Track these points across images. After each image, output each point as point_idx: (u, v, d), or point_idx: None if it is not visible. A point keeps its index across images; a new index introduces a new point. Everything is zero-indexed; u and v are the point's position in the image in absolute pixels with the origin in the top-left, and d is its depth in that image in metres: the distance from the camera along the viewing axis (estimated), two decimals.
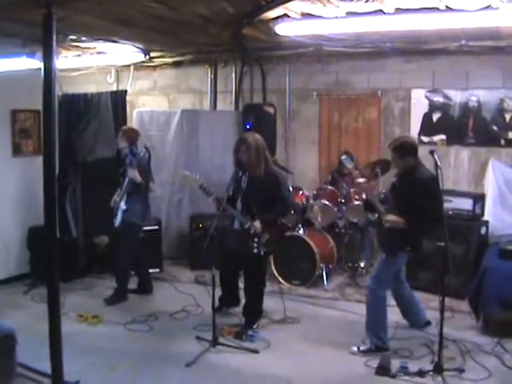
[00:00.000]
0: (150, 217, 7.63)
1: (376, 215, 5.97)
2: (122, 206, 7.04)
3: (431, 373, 5.08)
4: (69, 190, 8.40)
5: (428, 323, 6.19)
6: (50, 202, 4.62)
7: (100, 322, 6.56)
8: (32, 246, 8.08)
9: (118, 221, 7.10)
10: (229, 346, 5.84)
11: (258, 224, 6.04)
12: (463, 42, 7.66)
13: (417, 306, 6.23)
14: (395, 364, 5.31)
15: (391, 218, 5.56)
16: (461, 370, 5.20)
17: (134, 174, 6.93)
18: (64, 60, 8.94)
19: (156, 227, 8.44)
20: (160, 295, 7.59)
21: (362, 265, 8.13)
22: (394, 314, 6.12)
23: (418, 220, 5.40)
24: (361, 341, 5.81)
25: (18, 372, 5.04)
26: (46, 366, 4.71)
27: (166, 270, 8.56)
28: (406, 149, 5.63)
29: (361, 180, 6.37)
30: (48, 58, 4.42)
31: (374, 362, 5.37)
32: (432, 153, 5.26)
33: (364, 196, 6.85)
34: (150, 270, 8.12)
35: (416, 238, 5.61)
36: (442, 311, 5.13)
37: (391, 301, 6.17)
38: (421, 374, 5.11)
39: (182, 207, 9.03)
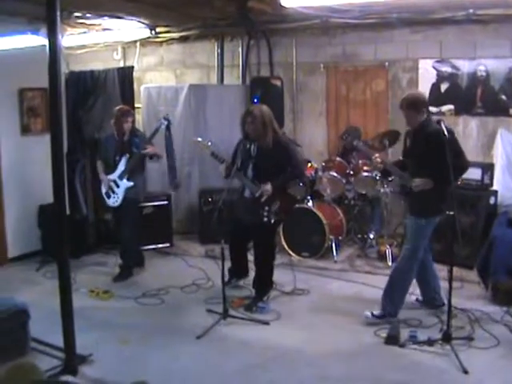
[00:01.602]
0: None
1: (395, 182, 5.90)
2: (127, 183, 7.04)
3: (440, 341, 5.11)
4: (78, 168, 8.44)
5: (443, 305, 5.90)
6: (59, 180, 4.66)
7: (111, 296, 6.63)
8: (43, 224, 8.15)
9: (119, 200, 7.10)
10: (239, 318, 5.89)
11: (268, 186, 6.04)
12: (470, 10, 7.60)
13: (437, 283, 6.04)
14: (404, 333, 5.36)
15: (418, 181, 5.50)
16: (470, 339, 5.24)
17: (150, 149, 6.98)
18: (70, 37, 8.95)
19: (166, 202, 8.50)
20: (170, 269, 7.66)
21: (372, 236, 8.13)
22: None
23: (446, 172, 5.14)
24: (368, 310, 5.82)
25: (31, 346, 5.12)
26: (59, 340, 4.78)
27: (176, 245, 8.61)
28: (419, 103, 5.55)
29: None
30: (53, 36, 4.43)
31: (383, 332, 5.42)
32: (439, 122, 5.24)
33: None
34: (160, 245, 8.22)
35: (447, 194, 5.39)
36: (450, 280, 5.15)
37: None
38: (430, 342, 5.14)
39: (191, 182, 9.05)
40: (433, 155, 5.37)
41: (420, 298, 6.15)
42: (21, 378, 2.17)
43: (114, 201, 7.11)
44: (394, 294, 5.73)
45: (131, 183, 7.04)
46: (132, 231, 7.16)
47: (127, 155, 7.02)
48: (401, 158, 6.00)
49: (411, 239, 5.68)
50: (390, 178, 6.28)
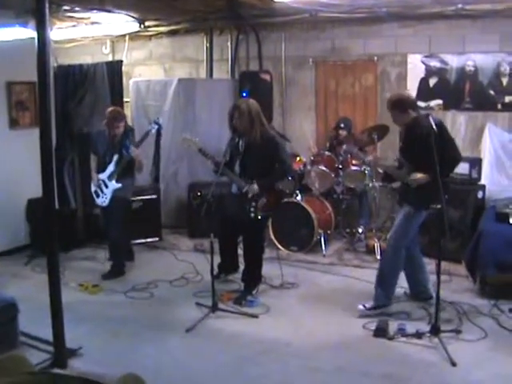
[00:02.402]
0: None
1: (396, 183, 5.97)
2: (115, 184, 7.01)
3: (428, 334, 5.15)
4: (66, 161, 8.42)
5: (431, 297, 5.93)
6: (48, 174, 4.64)
7: (100, 290, 6.62)
8: (31, 218, 8.12)
9: (107, 200, 7.06)
10: (228, 311, 5.90)
11: (255, 186, 6.08)
12: (460, 5, 7.66)
13: (425, 276, 6.07)
14: (393, 326, 5.39)
15: (414, 177, 5.55)
16: (458, 331, 5.28)
17: (137, 153, 6.95)
18: (58, 31, 8.92)
19: (154, 196, 8.49)
20: (159, 264, 7.65)
21: (360, 230, 8.17)
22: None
23: (446, 165, 5.36)
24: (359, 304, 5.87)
25: (20, 340, 5.11)
26: (48, 334, 4.78)
27: (165, 239, 8.61)
28: (404, 102, 5.62)
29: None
30: (41, 29, 4.41)
31: (372, 325, 5.45)
32: (427, 116, 5.27)
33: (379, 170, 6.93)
34: (149, 239, 8.23)
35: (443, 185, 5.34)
36: (438, 273, 5.17)
37: None
38: (418, 335, 5.18)
39: (180, 176, 9.05)
40: (425, 151, 5.35)
41: (408, 291, 6.18)
42: (11, 370, 2.17)
43: (102, 201, 7.08)
44: (385, 284, 5.78)
45: (119, 185, 7.01)
46: (120, 231, 7.11)
47: (117, 156, 6.99)
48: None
49: (399, 227, 5.73)
50: (394, 185, 6.35)
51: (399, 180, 5.94)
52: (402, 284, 6.13)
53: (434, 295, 5.38)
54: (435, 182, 5.28)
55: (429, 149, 5.21)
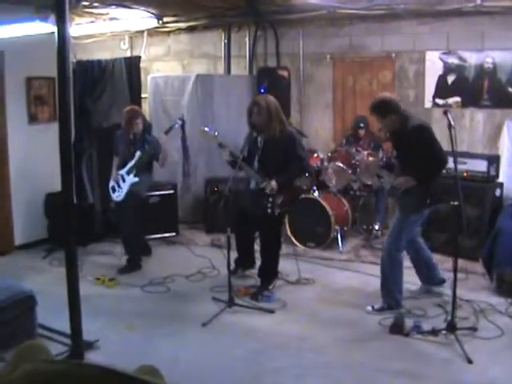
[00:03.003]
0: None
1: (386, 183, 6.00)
2: (133, 178, 7.08)
3: (444, 331, 5.13)
4: (85, 156, 8.48)
5: (443, 281, 6.10)
6: (67, 169, 4.68)
7: (117, 284, 6.67)
8: (49, 212, 8.19)
9: (122, 194, 7.14)
10: (244, 306, 5.92)
11: (273, 183, 6.08)
12: (478, 2, 7.58)
13: (432, 266, 6.13)
14: (409, 323, 5.38)
15: (399, 180, 5.63)
16: (474, 329, 5.26)
17: (164, 140, 7.04)
18: (77, 27, 8.95)
19: (172, 191, 8.53)
20: (176, 258, 7.69)
21: (377, 227, 8.15)
22: (408, 276, 6.13)
23: (428, 170, 5.44)
24: (375, 301, 5.88)
25: (38, 332, 5.16)
26: (66, 327, 4.81)
27: (182, 234, 8.64)
28: (385, 107, 5.59)
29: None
30: (61, 24, 4.44)
31: (388, 321, 5.44)
32: (446, 113, 5.23)
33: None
34: (166, 235, 8.27)
35: (431, 188, 5.51)
36: (455, 271, 5.16)
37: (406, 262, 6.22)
38: (434, 332, 5.16)
39: (197, 172, 9.06)
40: (415, 151, 5.47)
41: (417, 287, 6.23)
42: (30, 358, 2.20)
43: (118, 195, 7.15)
44: (388, 286, 5.80)
45: (136, 179, 7.09)
46: (133, 226, 7.14)
47: (139, 152, 7.07)
48: None
49: (393, 233, 5.76)
50: (382, 180, 6.43)
51: (390, 184, 5.92)
52: (418, 282, 6.13)
53: (449, 288, 5.40)
54: (422, 186, 5.39)
55: (415, 150, 5.38)
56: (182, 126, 7.43)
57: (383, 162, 7.53)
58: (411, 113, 5.90)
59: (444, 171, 5.67)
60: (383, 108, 5.59)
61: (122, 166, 7.20)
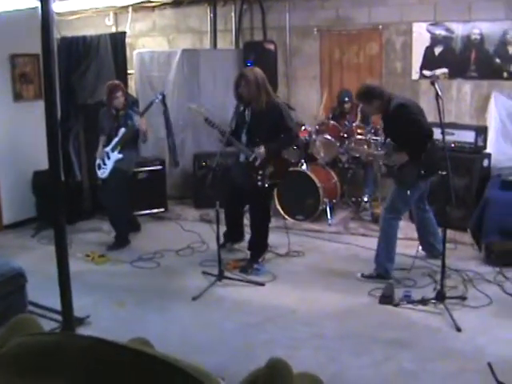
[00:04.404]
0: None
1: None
2: (117, 155, 7.04)
3: (434, 301, 5.18)
4: (71, 133, 8.43)
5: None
6: (54, 146, 4.63)
7: (107, 260, 6.67)
8: (37, 190, 8.14)
9: (107, 171, 7.09)
10: (235, 279, 5.95)
11: (262, 150, 6.08)
12: None
13: (436, 237, 6.20)
14: (398, 293, 5.43)
15: (393, 158, 5.76)
16: (463, 298, 5.31)
17: (140, 122, 6.95)
18: (61, 3, 8.85)
19: (160, 167, 8.51)
20: (165, 234, 7.69)
21: (366, 199, 8.17)
22: (403, 247, 6.28)
23: (415, 145, 5.55)
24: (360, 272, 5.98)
25: (29, 310, 5.15)
26: (56, 304, 4.80)
27: (171, 210, 8.64)
28: (369, 93, 5.76)
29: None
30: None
31: (378, 292, 5.48)
32: (433, 83, 5.25)
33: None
34: (155, 210, 8.27)
35: (423, 160, 5.56)
36: (444, 241, 5.23)
37: (403, 233, 6.37)
38: (423, 302, 5.22)
39: (185, 147, 9.03)
40: (398, 132, 5.67)
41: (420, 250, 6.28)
42: (22, 331, 2.20)
43: (103, 171, 7.11)
44: (380, 255, 5.88)
45: (121, 155, 7.03)
46: (119, 202, 7.12)
47: (123, 129, 7.01)
48: None
49: (391, 202, 5.88)
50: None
51: (385, 162, 6.13)
52: (410, 252, 6.17)
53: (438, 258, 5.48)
54: (414, 159, 5.51)
55: (402, 126, 5.55)
56: (163, 101, 7.35)
57: (371, 132, 7.60)
58: (396, 94, 6.01)
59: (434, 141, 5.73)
60: (367, 94, 5.78)
61: (108, 142, 7.15)
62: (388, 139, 5.98)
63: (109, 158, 7.06)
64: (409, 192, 5.73)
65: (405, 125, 5.53)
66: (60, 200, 4.74)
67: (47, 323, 4.86)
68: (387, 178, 7.02)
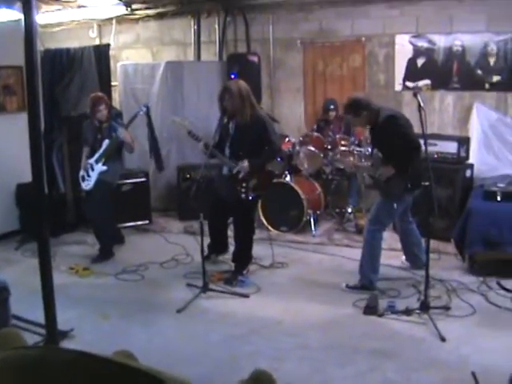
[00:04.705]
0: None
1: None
2: (101, 167, 7.00)
3: (418, 311, 5.21)
4: (55, 145, 8.40)
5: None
6: (37, 159, 4.62)
7: (91, 273, 6.64)
8: (21, 203, 8.10)
9: (91, 183, 7.06)
10: (219, 291, 5.94)
11: (245, 164, 6.10)
12: None
13: (420, 248, 6.23)
14: (383, 303, 5.44)
15: (380, 171, 5.77)
16: (447, 308, 5.34)
17: (125, 135, 6.94)
18: (45, 15, 8.85)
19: (144, 179, 8.48)
20: (150, 246, 7.67)
21: (350, 210, 8.20)
22: (387, 257, 6.32)
23: (402, 157, 5.56)
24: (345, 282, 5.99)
25: (12, 323, 5.11)
26: (40, 317, 4.78)
27: (155, 222, 8.63)
28: (356, 105, 5.77)
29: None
30: (28, 11, 4.37)
31: (362, 302, 5.49)
32: (415, 94, 5.30)
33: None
34: (139, 222, 8.25)
35: (410, 173, 5.60)
36: (427, 252, 5.25)
37: (386, 244, 6.40)
38: (408, 312, 5.24)
39: (169, 159, 9.02)
40: (386, 144, 5.69)
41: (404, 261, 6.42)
42: (5, 345, 2.19)
43: (87, 184, 7.08)
44: (365, 266, 5.90)
45: (105, 168, 7.00)
46: (103, 214, 7.09)
47: (107, 141, 7.00)
48: None
49: (376, 213, 5.92)
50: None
51: (371, 175, 6.15)
52: (394, 263, 6.20)
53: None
54: (400, 173, 5.57)
55: (390, 140, 5.57)
56: (147, 113, 7.35)
57: (355, 144, 7.64)
58: (383, 106, 6.02)
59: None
60: (355, 106, 5.77)
61: (91, 154, 7.12)
62: (375, 150, 6.00)
63: (93, 169, 7.03)
64: (395, 205, 5.77)
65: (393, 137, 5.54)
66: (44, 212, 4.72)
67: (31, 337, 4.82)
68: (372, 190, 7.07)
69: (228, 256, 6.74)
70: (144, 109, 7.15)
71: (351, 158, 7.37)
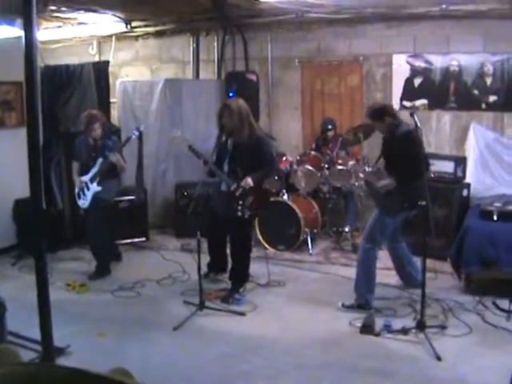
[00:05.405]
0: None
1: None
2: (95, 187, 6.99)
3: (414, 330, 5.21)
4: (53, 162, 8.41)
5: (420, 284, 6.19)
6: (36, 174, 4.63)
7: (88, 290, 6.63)
8: (18, 218, 8.09)
9: (87, 202, 7.05)
10: (216, 309, 5.93)
11: (248, 179, 6.13)
12: (444, 6, 7.70)
13: (413, 266, 6.28)
14: (379, 322, 5.44)
15: (382, 183, 5.76)
16: (443, 327, 5.35)
17: (117, 158, 6.95)
18: (45, 31, 8.90)
19: (141, 196, 8.48)
20: (147, 263, 7.66)
21: (347, 229, 8.21)
22: (383, 276, 6.32)
23: (406, 174, 5.56)
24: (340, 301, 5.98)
25: (8, 339, 5.10)
26: (36, 334, 4.76)
27: (153, 239, 8.63)
28: (382, 111, 5.79)
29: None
30: (28, 28, 4.40)
31: (359, 321, 5.49)
32: (412, 114, 5.35)
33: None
34: (136, 240, 8.24)
35: (408, 192, 5.62)
36: (424, 271, 5.26)
37: (382, 263, 6.40)
38: (404, 331, 5.25)
39: (166, 176, 9.05)
40: (397, 157, 5.68)
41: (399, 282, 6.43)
42: (0, 361, 2.19)
43: (83, 202, 7.08)
44: (359, 284, 5.91)
45: (99, 188, 6.99)
46: (100, 232, 7.08)
47: (101, 159, 7.00)
48: None
49: (370, 231, 5.93)
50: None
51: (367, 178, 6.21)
52: (389, 281, 6.20)
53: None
54: (401, 189, 5.58)
55: (401, 154, 5.57)
56: (140, 137, 7.40)
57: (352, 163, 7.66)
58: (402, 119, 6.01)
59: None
60: (381, 111, 5.79)
61: (85, 171, 7.10)
62: (380, 161, 6.01)
63: (88, 188, 7.02)
64: (387, 219, 5.79)
65: (406, 153, 5.53)
66: (41, 228, 4.74)
67: (27, 353, 4.81)
68: (368, 205, 7.08)
69: (226, 274, 6.73)
70: (137, 133, 7.16)
71: (350, 162, 7.40)
